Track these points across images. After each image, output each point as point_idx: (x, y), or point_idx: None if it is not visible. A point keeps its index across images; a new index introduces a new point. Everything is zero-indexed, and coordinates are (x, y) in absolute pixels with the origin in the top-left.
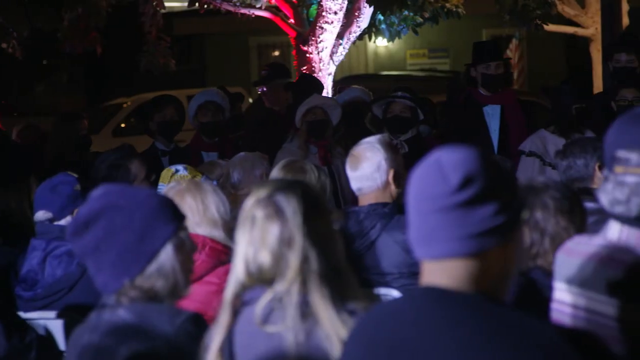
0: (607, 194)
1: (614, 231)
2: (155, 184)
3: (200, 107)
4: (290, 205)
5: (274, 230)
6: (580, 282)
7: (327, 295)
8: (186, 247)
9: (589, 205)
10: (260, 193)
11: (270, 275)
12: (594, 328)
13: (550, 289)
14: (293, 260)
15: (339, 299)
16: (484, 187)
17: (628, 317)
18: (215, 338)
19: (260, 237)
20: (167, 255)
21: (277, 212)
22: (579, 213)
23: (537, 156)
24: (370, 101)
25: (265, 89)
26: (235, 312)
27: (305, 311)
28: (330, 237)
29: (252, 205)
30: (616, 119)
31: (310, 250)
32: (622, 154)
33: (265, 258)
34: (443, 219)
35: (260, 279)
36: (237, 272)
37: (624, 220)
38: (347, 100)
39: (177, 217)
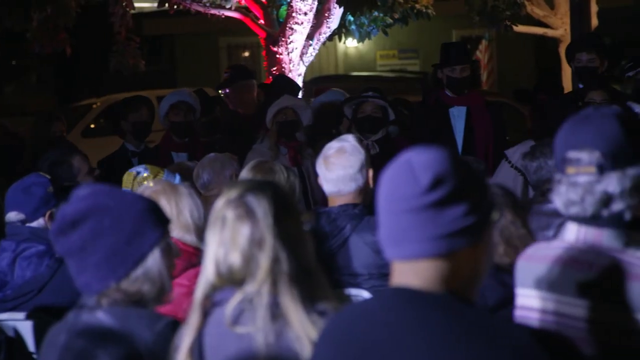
0: (561, 196)
1: (572, 232)
2: (100, 179)
3: (172, 106)
4: (260, 206)
5: (244, 231)
6: (548, 286)
7: (297, 296)
8: (172, 251)
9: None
10: (231, 194)
11: (241, 276)
12: (563, 331)
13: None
14: (263, 261)
15: (309, 300)
16: (454, 188)
17: (598, 318)
18: (185, 339)
19: (231, 237)
20: (154, 259)
21: (248, 213)
22: (522, 207)
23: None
24: (343, 100)
25: (228, 92)
26: (206, 313)
27: (276, 312)
28: (300, 238)
29: (222, 206)
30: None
31: (280, 251)
32: (572, 154)
33: (235, 259)
34: (413, 219)
35: (231, 279)
36: (207, 273)
37: (580, 220)
38: (325, 102)
39: (163, 221)
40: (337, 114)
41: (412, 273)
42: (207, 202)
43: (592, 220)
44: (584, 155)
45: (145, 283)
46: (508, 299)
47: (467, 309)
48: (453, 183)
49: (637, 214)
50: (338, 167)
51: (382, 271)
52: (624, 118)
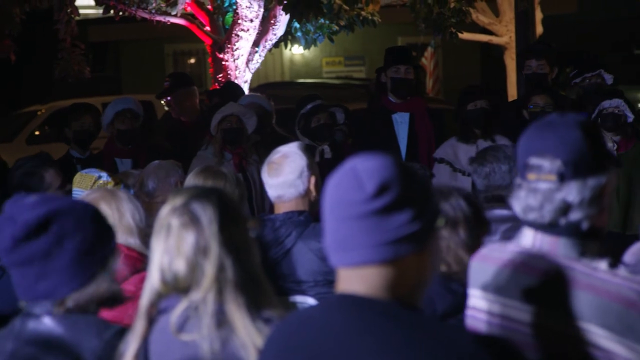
0: (520, 201)
1: (528, 238)
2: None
3: (117, 114)
4: (206, 214)
5: (189, 239)
6: (495, 289)
7: (243, 303)
8: (120, 252)
9: (503, 213)
10: (176, 201)
11: (186, 284)
12: (508, 335)
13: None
14: (209, 269)
15: (255, 307)
16: (399, 195)
17: (542, 323)
18: (130, 346)
19: (176, 245)
20: (114, 260)
21: (193, 221)
22: (484, 218)
23: (447, 163)
24: (291, 109)
25: (169, 100)
26: (151, 321)
27: (221, 320)
28: (246, 245)
29: (167, 214)
30: (528, 126)
31: (226, 259)
32: (534, 161)
33: (180, 266)
34: (359, 226)
35: (176, 287)
36: (153, 280)
37: (537, 226)
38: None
39: (110, 223)
40: (267, 117)
41: (357, 280)
42: (152, 209)
43: (549, 227)
44: (545, 163)
45: (106, 284)
46: (457, 307)
47: (412, 316)
48: (398, 190)
49: (595, 223)
50: (279, 173)
51: (328, 278)
52: (588, 127)
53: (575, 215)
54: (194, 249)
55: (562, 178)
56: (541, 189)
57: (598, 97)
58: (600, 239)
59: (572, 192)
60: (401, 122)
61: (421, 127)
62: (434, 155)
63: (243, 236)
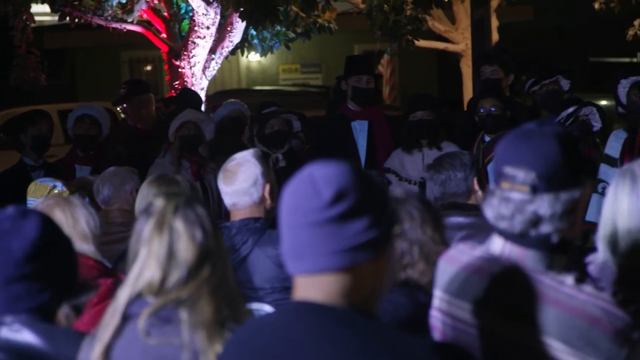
0: (493, 209)
1: (497, 245)
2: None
3: (77, 119)
4: (207, 218)
5: (198, 240)
6: (452, 290)
7: (213, 312)
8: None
9: (459, 220)
10: (179, 201)
11: (180, 286)
12: (458, 335)
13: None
14: (204, 273)
15: (223, 315)
16: (356, 202)
17: (486, 327)
18: (96, 349)
19: (182, 246)
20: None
21: (198, 223)
22: (442, 223)
23: (393, 172)
24: (253, 117)
25: (125, 107)
26: (120, 324)
27: (186, 326)
28: (225, 254)
29: (171, 213)
30: (482, 133)
31: (217, 265)
32: (509, 170)
33: (184, 270)
34: (315, 233)
35: (166, 289)
36: (146, 277)
37: (507, 236)
38: (228, 113)
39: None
40: (240, 126)
41: (313, 287)
42: (107, 217)
43: (519, 238)
44: (520, 174)
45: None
46: (420, 318)
47: (368, 323)
48: (355, 197)
49: (566, 236)
50: (233, 180)
51: (285, 285)
52: (565, 139)
53: (545, 228)
54: (199, 248)
55: (535, 190)
56: (513, 198)
57: (555, 104)
58: (569, 253)
59: (543, 205)
60: (360, 130)
61: (380, 135)
62: (384, 165)
63: (223, 244)
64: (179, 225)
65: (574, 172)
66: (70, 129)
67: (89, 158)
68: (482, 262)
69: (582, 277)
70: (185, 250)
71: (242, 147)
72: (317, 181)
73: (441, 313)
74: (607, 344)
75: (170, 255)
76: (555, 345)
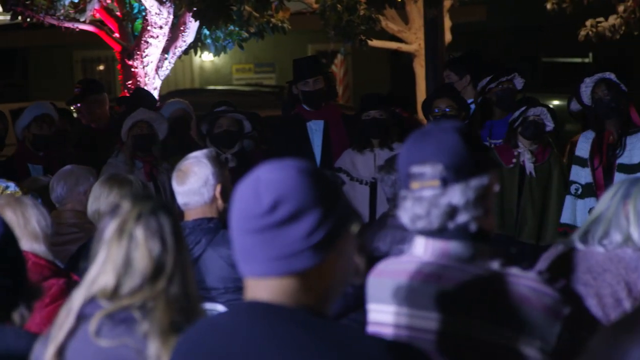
0: (407, 211)
1: (420, 247)
2: None
3: (36, 118)
4: (169, 226)
5: (155, 250)
6: (400, 300)
7: (169, 321)
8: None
9: None
10: (143, 208)
11: (134, 293)
12: (421, 346)
13: None
14: (160, 283)
15: (180, 321)
16: (296, 208)
17: (448, 330)
18: (49, 350)
19: (139, 255)
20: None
21: (159, 232)
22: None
23: (344, 172)
24: (200, 116)
25: (79, 106)
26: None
27: (140, 328)
28: (189, 262)
29: (132, 220)
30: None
31: (176, 274)
32: (416, 169)
33: (137, 278)
34: (257, 239)
35: (110, 295)
36: (102, 282)
37: (427, 233)
38: (170, 114)
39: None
40: (184, 125)
41: (262, 289)
42: (60, 217)
43: (439, 233)
44: (427, 169)
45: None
46: (348, 309)
47: (320, 323)
48: (295, 203)
49: (483, 226)
50: (185, 180)
51: (238, 285)
52: (463, 132)
53: (462, 218)
54: (155, 260)
55: (445, 182)
56: (426, 196)
57: (510, 103)
58: (489, 242)
59: (456, 195)
60: (316, 130)
61: (335, 134)
62: (334, 165)
63: (188, 254)
64: (139, 233)
65: (478, 159)
66: (23, 127)
67: (40, 157)
68: (423, 267)
69: (506, 262)
70: (141, 261)
71: (191, 146)
72: (260, 186)
73: (388, 327)
74: (539, 321)
75: (127, 263)
76: (504, 332)
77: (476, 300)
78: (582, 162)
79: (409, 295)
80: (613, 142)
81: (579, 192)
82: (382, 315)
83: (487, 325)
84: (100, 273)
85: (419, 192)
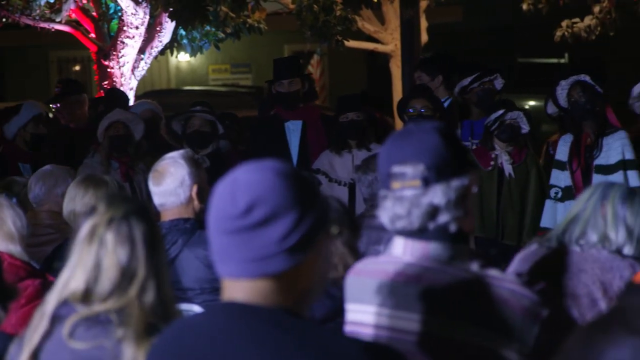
0: (387, 211)
1: (399, 247)
2: None
3: (34, 118)
4: (141, 233)
5: (122, 257)
6: (380, 301)
7: (143, 326)
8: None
9: None
10: (115, 212)
11: (103, 299)
12: (401, 346)
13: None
14: (132, 290)
15: (155, 323)
16: (272, 211)
17: (429, 332)
18: (28, 343)
19: (108, 261)
20: None
21: (129, 239)
22: (348, 226)
23: (322, 173)
24: (171, 116)
25: (59, 106)
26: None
27: (116, 334)
28: (164, 268)
29: (104, 225)
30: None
31: (149, 282)
32: (397, 169)
33: (106, 283)
34: (233, 240)
35: (91, 299)
36: (73, 286)
37: (407, 234)
38: (139, 115)
39: None
40: (154, 125)
41: (239, 290)
42: (36, 217)
43: (419, 233)
44: (408, 169)
45: None
46: (336, 312)
47: (297, 323)
48: (271, 206)
49: (463, 227)
50: (161, 181)
51: (214, 285)
52: (444, 132)
53: (443, 218)
54: (124, 268)
55: (427, 182)
56: (407, 196)
57: (490, 103)
58: (468, 243)
59: (437, 195)
60: (293, 130)
61: (313, 135)
62: (312, 166)
63: (164, 260)
64: (109, 239)
65: (459, 160)
66: (20, 127)
67: (30, 156)
68: (404, 268)
69: (485, 264)
70: (110, 268)
71: (160, 146)
72: (237, 188)
73: (369, 327)
74: (518, 322)
75: (96, 267)
76: (490, 335)
77: (456, 302)
78: (561, 166)
79: (390, 295)
80: (590, 144)
81: (559, 195)
82: (362, 315)
83: (467, 327)
84: (72, 276)
85: (399, 192)
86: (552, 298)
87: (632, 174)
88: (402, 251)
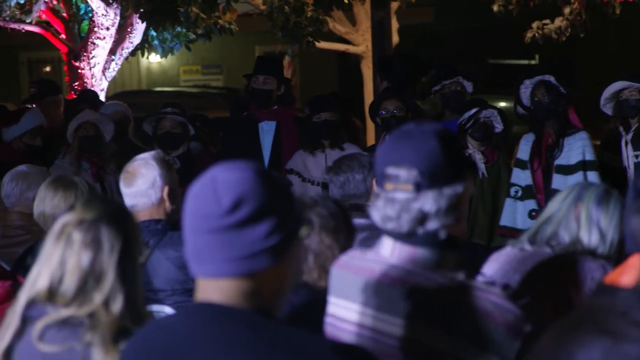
0: (379, 211)
1: (387, 247)
2: None
3: (33, 130)
4: (109, 239)
5: (85, 260)
6: (364, 300)
7: (114, 328)
8: None
9: (361, 221)
10: (86, 214)
11: (69, 302)
12: (375, 346)
13: (318, 306)
14: (97, 297)
15: (126, 326)
16: (256, 209)
17: (410, 338)
18: (1, 341)
19: (73, 261)
20: None
21: (95, 242)
22: (345, 231)
23: (296, 173)
24: (142, 117)
25: (34, 107)
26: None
27: (85, 338)
28: (136, 277)
29: (74, 224)
30: (384, 134)
31: (117, 291)
32: (391, 170)
33: (70, 285)
34: (214, 239)
35: (57, 300)
36: (40, 285)
37: (396, 236)
38: (109, 116)
39: None
40: (123, 127)
41: (214, 290)
42: (5, 220)
43: (408, 237)
44: (402, 173)
45: None
46: (318, 318)
47: (270, 325)
48: (255, 203)
49: (453, 233)
50: (132, 182)
51: (185, 287)
52: (444, 136)
53: (432, 225)
54: (87, 272)
55: (419, 187)
56: (398, 198)
57: (458, 105)
58: (458, 249)
59: (428, 202)
60: (267, 131)
61: (286, 136)
62: (286, 167)
63: (136, 266)
64: (75, 240)
65: (455, 167)
66: (17, 136)
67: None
68: (388, 269)
69: (472, 273)
70: (73, 270)
71: (132, 148)
72: (218, 186)
73: (349, 323)
74: (500, 337)
75: (61, 267)
76: (469, 347)
77: (438, 310)
78: (522, 165)
79: (374, 296)
80: (552, 144)
81: (519, 194)
82: (346, 312)
83: (446, 336)
84: (39, 274)
85: (392, 194)
86: (537, 312)
87: (592, 175)
88: (390, 252)
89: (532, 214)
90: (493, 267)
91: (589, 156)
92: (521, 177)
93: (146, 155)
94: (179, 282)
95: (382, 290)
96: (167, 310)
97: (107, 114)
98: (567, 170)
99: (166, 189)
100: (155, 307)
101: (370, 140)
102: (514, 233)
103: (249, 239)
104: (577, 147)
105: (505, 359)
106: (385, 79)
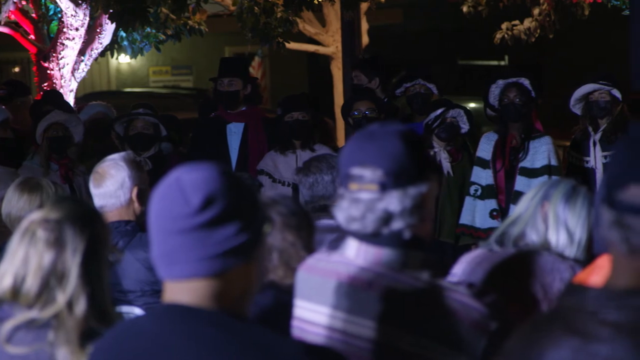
0: (343, 211)
1: (352, 248)
2: None
3: (1, 123)
4: (74, 240)
5: (47, 259)
6: (332, 303)
7: (80, 330)
8: None
9: (329, 222)
10: (51, 214)
11: (31, 302)
12: (346, 348)
13: (285, 307)
14: (60, 297)
15: (94, 327)
16: (225, 207)
17: (379, 340)
18: None
19: (35, 260)
20: None
21: (58, 242)
22: (307, 228)
23: (266, 174)
24: (114, 118)
25: (4, 108)
26: None
27: (49, 339)
28: (102, 279)
29: (38, 221)
30: (352, 135)
31: (80, 293)
32: (356, 171)
33: (33, 284)
34: (184, 240)
35: (20, 300)
36: (4, 284)
37: (361, 237)
38: (90, 117)
39: None
40: (106, 128)
41: (183, 291)
42: None
43: (373, 237)
44: (367, 173)
45: None
46: (285, 319)
47: (239, 325)
48: (224, 202)
49: (418, 233)
50: (101, 183)
51: (155, 288)
52: (408, 137)
53: (397, 225)
54: (49, 271)
55: (384, 187)
56: (363, 198)
57: (423, 106)
58: (423, 249)
59: (393, 202)
60: (235, 132)
61: (254, 138)
62: (257, 167)
63: (103, 269)
64: (39, 240)
65: (420, 167)
66: None
67: None
68: (354, 271)
69: (441, 272)
70: (35, 269)
71: (111, 149)
72: (185, 187)
73: (317, 326)
74: (467, 335)
75: (25, 266)
76: (437, 347)
77: (406, 312)
78: (483, 164)
79: (343, 299)
80: (516, 146)
81: (479, 193)
82: (314, 315)
83: (413, 337)
84: (4, 274)
85: (356, 194)
86: (503, 309)
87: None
88: (355, 253)
89: (494, 214)
90: (462, 267)
91: (554, 162)
92: (482, 176)
93: (116, 156)
94: (148, 283)
95: (351, 293)
96: (137, 311)
97: (89, 114)
98: (531, 173)
99: (135, 190)
100: (125, 308)
101: (341, 141)
102: (472, 231)
103: (219, 237)
104: (542, 151)
105: (474, 357)
106: (377, 76)
